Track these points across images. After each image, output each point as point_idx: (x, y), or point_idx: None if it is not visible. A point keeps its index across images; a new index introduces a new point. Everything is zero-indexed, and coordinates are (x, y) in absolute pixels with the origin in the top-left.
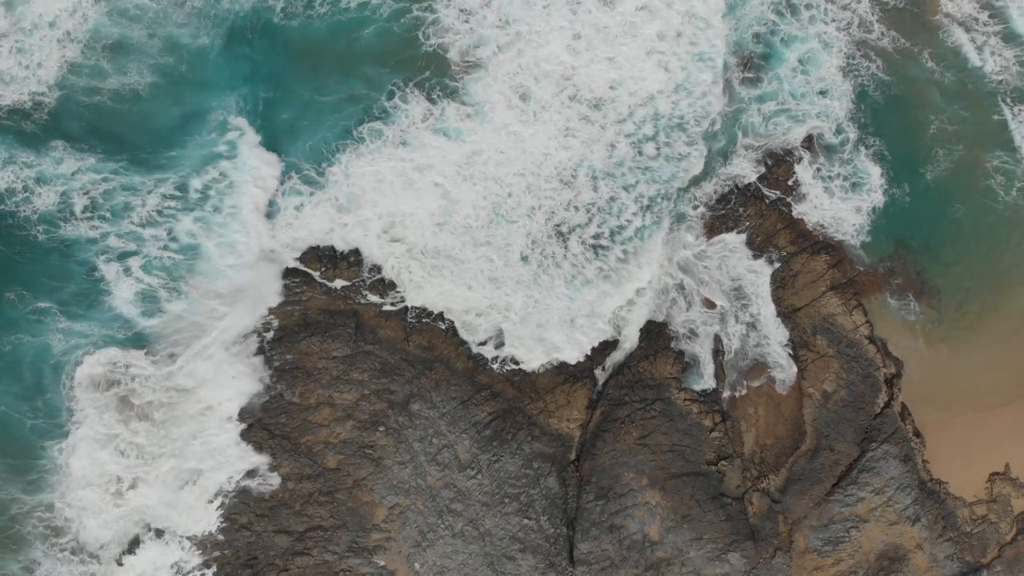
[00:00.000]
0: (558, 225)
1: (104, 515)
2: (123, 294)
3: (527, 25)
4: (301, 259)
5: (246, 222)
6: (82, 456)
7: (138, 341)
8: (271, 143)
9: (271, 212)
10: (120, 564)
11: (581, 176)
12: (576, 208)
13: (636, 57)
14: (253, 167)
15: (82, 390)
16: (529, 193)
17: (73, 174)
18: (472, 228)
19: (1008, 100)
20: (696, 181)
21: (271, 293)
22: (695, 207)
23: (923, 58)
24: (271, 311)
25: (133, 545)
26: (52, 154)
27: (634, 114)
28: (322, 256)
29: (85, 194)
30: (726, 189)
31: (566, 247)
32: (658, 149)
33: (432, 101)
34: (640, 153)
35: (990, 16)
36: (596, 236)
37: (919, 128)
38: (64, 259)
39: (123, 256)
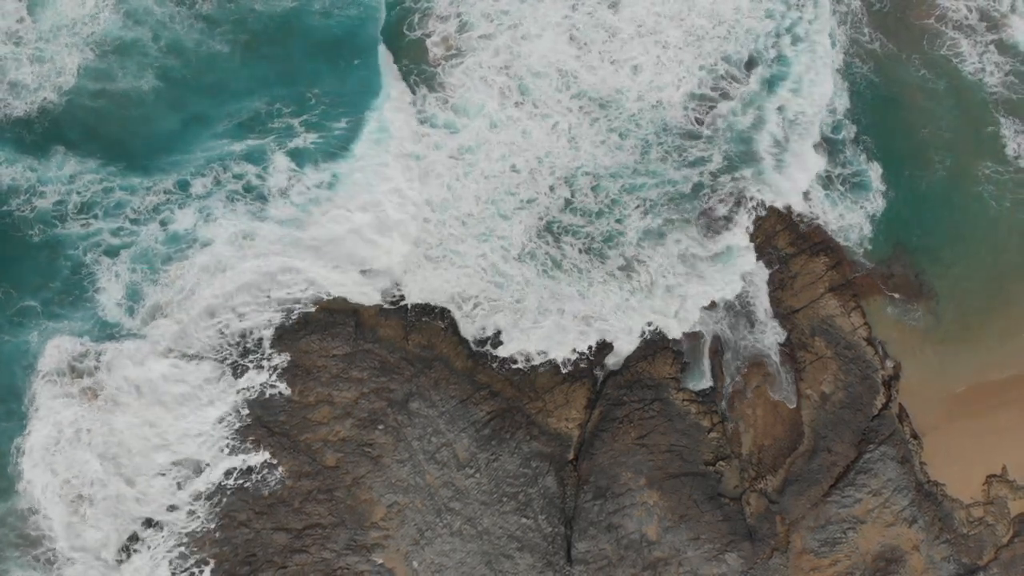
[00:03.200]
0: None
1: (82, 516)
2: (113, 292)
3: (523, 16)
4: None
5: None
6: (40, 455)
7: (121, 334)
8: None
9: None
10: (118, 562)
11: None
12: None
13: (648, 55)
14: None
15: (42, 381)
16: (527, 188)
17: (71, 177)
18: (469, 223)
19: (1001, 110)
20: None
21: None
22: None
23: (914, 64)
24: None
25: (131, 543)
26: (54, 158)
27: (642, 114)
28: None
29: (83, 193)
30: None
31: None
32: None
33: (413, 91)
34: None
35: (987, 28)
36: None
37: (915, 132)
38: (55, 256)
39: (111, 252)
